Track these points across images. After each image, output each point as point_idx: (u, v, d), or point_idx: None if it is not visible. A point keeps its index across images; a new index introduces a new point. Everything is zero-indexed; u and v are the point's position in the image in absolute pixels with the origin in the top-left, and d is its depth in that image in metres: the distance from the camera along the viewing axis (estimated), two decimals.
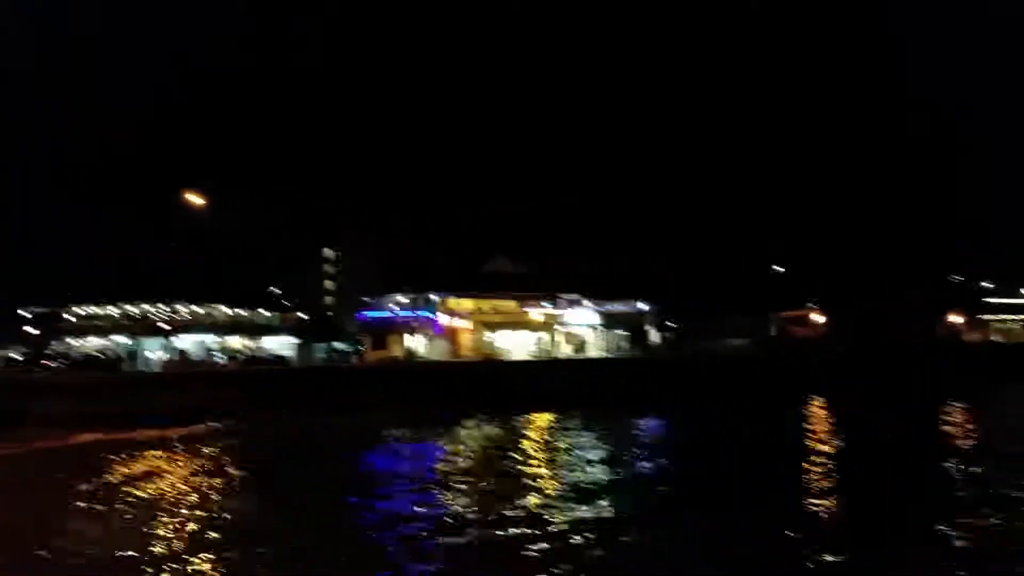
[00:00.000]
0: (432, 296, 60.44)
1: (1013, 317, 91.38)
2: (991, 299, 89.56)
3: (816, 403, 44.76)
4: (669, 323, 71.01)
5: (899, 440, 31.35)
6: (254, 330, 63.74)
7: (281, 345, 62.78)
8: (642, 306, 70.19)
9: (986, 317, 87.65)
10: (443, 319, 59.87)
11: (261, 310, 67.33)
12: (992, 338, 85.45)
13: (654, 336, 69.46)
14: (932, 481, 22.42)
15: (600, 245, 78.27)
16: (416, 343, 58.31)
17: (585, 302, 67.06)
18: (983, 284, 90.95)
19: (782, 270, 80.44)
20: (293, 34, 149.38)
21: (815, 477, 22.74)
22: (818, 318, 73.51)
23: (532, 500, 19.73)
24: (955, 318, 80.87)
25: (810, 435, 31.86)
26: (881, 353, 62.37)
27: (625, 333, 68.15)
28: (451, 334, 60.18)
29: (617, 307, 69.78)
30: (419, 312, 59.49)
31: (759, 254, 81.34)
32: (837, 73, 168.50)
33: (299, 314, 69.16)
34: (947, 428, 33.45)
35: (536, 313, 63.37)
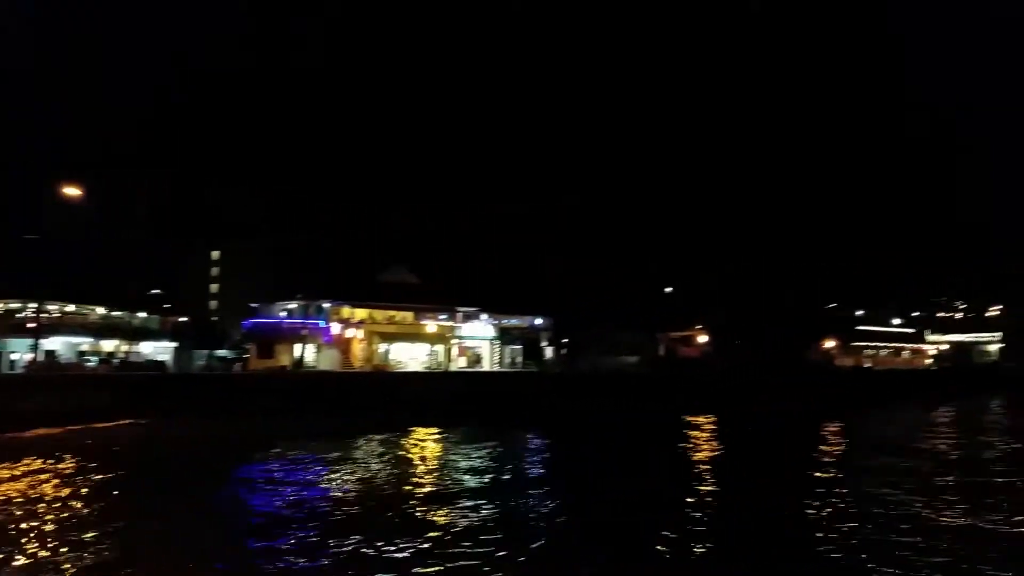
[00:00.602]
0: (324, 304, 58.82)
1: (883, 344, 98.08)
2: (863, 327, 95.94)
3: (700, 419, 46.06)
4: (563, 339, 71.93)
5: (772, 458, 32.65)
6: (131, 333, 60.15)
7: (159, 350, 59.55)
8: (538, 321, 70.95)
9: (859, 343, 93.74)
10: (335, 328, 58.32)
11: (140, 313, 63.69)
12: (864, 363, 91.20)
13: (549, 351, 70.31)
14: (801, 496, 23.21)
15: (500, 259, 78.50)
16: (305, 352, 56.49)
17: (483, 316, 67.13)
18: (857, 312, 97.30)
19: (671, 290, 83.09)
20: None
21: (693, 492, 23.28)
22: (703, 339, 76.17)
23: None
24: (829, 343, 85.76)
25: (689, 451, 32.79)
26: (760, 374, 65.29)
27: (520, 347, 68.75)
28: (343, 344, 58.68)
29: (514, 321, 70.33)
30: (310, 320, 57.72)
31: (651, 274, 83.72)
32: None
33: (180, 318, 65.81)
34: (819, 446, 35.32)
35: (432, 325, 62.75)
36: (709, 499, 22.87)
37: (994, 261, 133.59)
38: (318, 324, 57.83)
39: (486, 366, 65.21)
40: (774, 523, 19.94)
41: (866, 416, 53.44)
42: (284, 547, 16.07)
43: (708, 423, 44.99)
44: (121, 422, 38.11)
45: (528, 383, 57.23)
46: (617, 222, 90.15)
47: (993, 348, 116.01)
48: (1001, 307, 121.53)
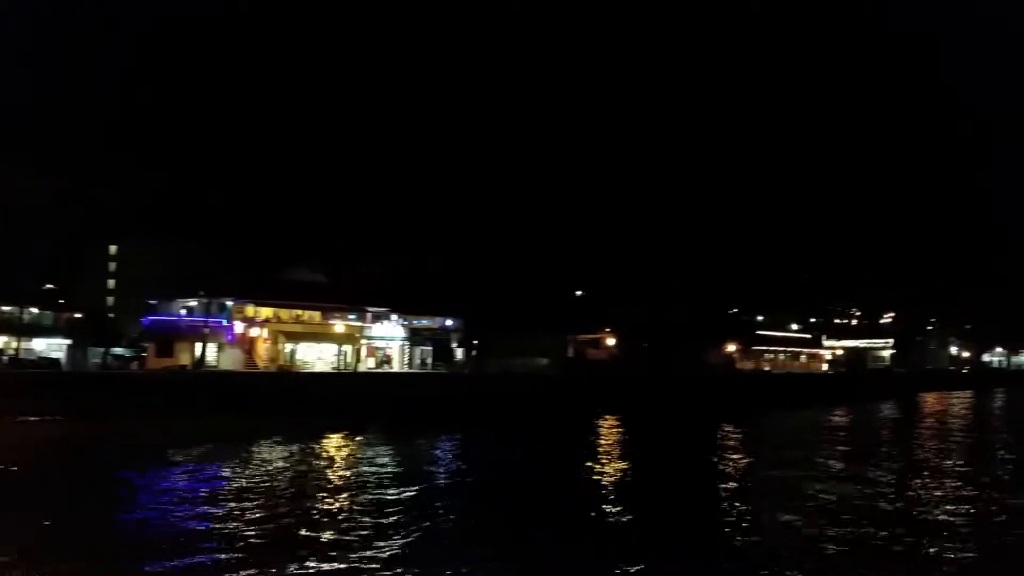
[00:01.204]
0: (228, 302, 57.78)
1: (782, 349, 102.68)
2: (764, 332, 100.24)
3: (607, 421, 47.45)
4: (474, 340, 72.62)
5: (676, 459, 33.88)
6: (22, 329, 57.72)
7: (53, 347, 57.41)
8: (449, 322, 71.42)
9: (760, 348, 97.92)
10: (238, 327, 57.35)
11: (32, 308, 61.10)
12: (763, 367, 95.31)
13: (459, 353, 70.88)
14: (702, 501, 24.25)
15: (412, 259, 78.50)
16: (207, 352, 55.37)
17: (393, 316, 67.10)
18: (758, 318, 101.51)
19: (581, 294, 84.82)
20: None
21: (594, 491, 24.35)
22: (611, 341, 78.15)
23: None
24: (731, 347, 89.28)
25: (595, 452, 33.88)
26: (666, 377, 67.64)
27: (431, 349, 69.01)
28: (247, 343, 57.73)
29: (424, 322, 70.57)
30: (212, 318, 56.59)
31: (563, 277, 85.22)
32: None
33: (76, 314, 63.45)
34: (721, 449, 37.03)
35: (340, 325, 62.42)
36: (611, 498, 24.02)
37: (888, 271, 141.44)
38: (221, 322, 56.76)
39: (396, 367, 65.26)
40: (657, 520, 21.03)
41: (764, 419, 56.16)
42: None
43: (614, 424, 46.49)
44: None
45: (437, 384, 57.74)
46: (528, 224, 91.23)
47: (885, 354, 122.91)
48: (893, 314, 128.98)
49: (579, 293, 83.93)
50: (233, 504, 21.53)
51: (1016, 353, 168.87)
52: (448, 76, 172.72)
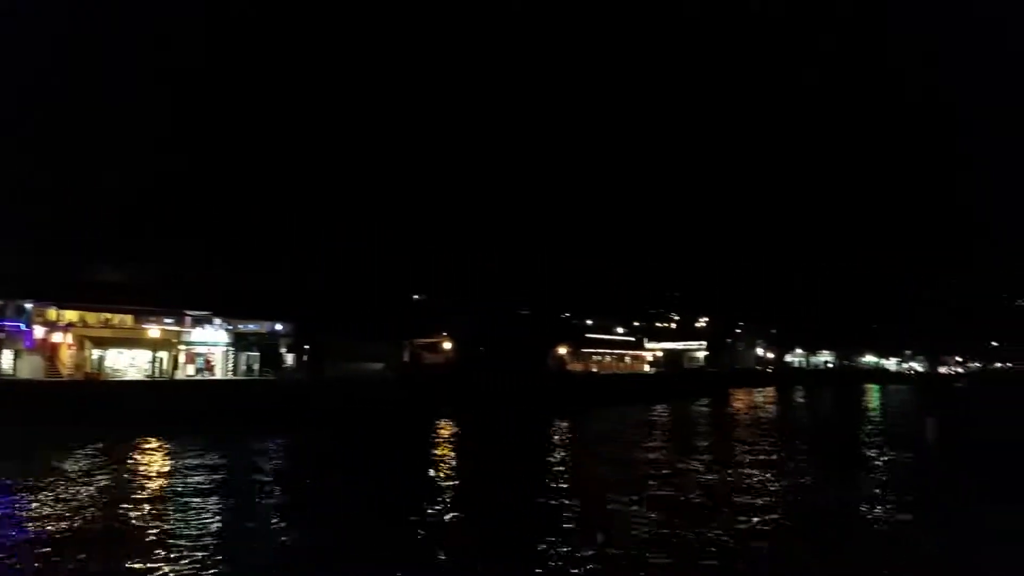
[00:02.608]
0: (26, 304, 52.76)
1: (608, 351, 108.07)
2: (592, 335, 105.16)
3: (444, 424, 47.75)
4: (305, 345, 70.63)
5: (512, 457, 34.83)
6: None
7: None
8: (278, 327, 69.10)
9: (588, 350, 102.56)
10: (39, 332, 52.55)
11: None
12: (591, 368, 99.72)
13: (289, 358, 68.72)
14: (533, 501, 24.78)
15: (237, 259, 74.89)
16: (2, 359, 50.34)
17: (216, 320, 64.02)
18: (587, 322, 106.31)
19: (418, 298, 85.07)
20: None
21: (428, 494, 24.58)
22: (448, 345, 78.84)
23: None
24: (562, 350, 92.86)
25: (429, 455, 34.07)
26: (502, 378, 69.19)
27: (258, 354, 66.50)
28: (49, 349, 53.00)
29: (251, 327, 67.87)
30: (8, 322, 51.49)
31: (400, 281, 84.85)
32: None
33: None
34: (553, 446, 38.49)
35: (156, 330, 58.72)
36: (445, 497, 24.36)
37: (704, 279, 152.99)
38: (18, 327, 51.77)
39: (219, 374, 62.27)
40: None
41: (594, 415, 58.93)
42: None
43: (451, 427, 46.90)
44: None
45: (261, 391, 55.81)
46: (361, 226, 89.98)
47: (700, 355, 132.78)
48: (707, 319, 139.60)
49: (416, 297, 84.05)
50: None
51: (814, 354, 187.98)
52: None
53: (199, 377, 59.56)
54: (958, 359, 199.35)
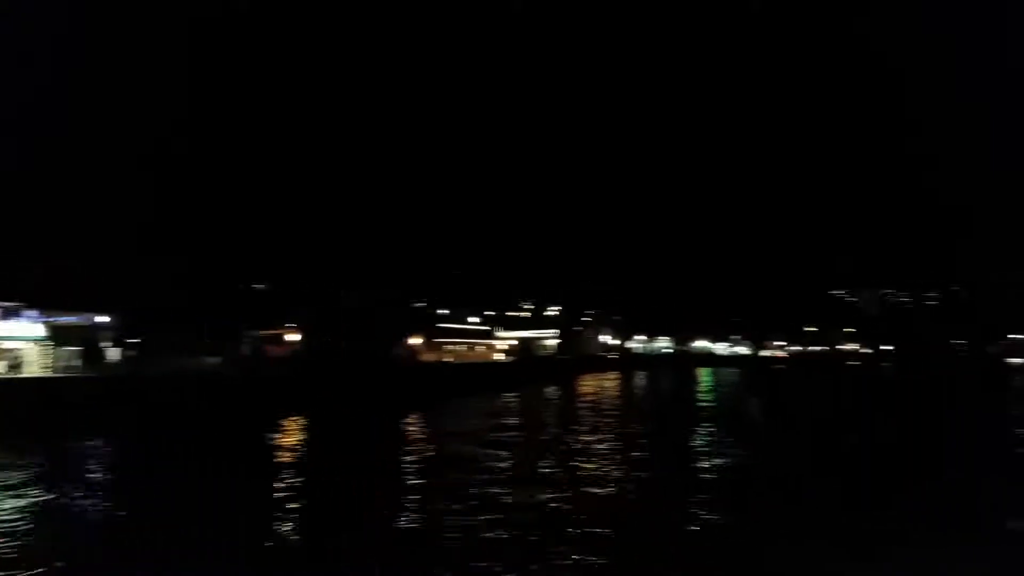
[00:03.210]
0: None
1: (462, 340, 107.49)
2: (445, 324, 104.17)
3: (287, 422, 44.71)
4: (132, 339, 64.68)
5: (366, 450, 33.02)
6: None
7: None
8: (100, 319, 62.76)
9: (441, 340, 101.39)
10: None
11: None
12: (444, 359, 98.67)
13: (113, 353, 62.56)
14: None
15: (56, 246, 67.55)
16: None
17: (28, 312, 57.02)
18: (440, 311, 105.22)
19: (263, 287, 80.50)
20: None
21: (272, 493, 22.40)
22: (293, 337, 75.05)
23: None
24: (415, 340, 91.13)
25: (253, 462, 31.35)
26: (351, 370, 66.44)
27: (79, 349, 60.04)
28: None
29: (70, 320, 61.21)
30: None
31: (240, 270, 79.96)
32: None
33: None
34: (406, 438, 36.99)
35: None
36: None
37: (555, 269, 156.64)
38: None
39: (35, 371, 55.56)
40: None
41: (445, 406, 57.91)
42: None
43: (295, 424, 44.04)
44: None
45: (78, 389, 50.06)
46: (200, 214, 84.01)
47: (551, 342, 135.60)
48: (559, 308, 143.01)
49: (259, 286, 79.37)
50: None
51: (654, 340, 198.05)
52: None
53: (9, 375, 52.78)
54: (779, 343, 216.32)
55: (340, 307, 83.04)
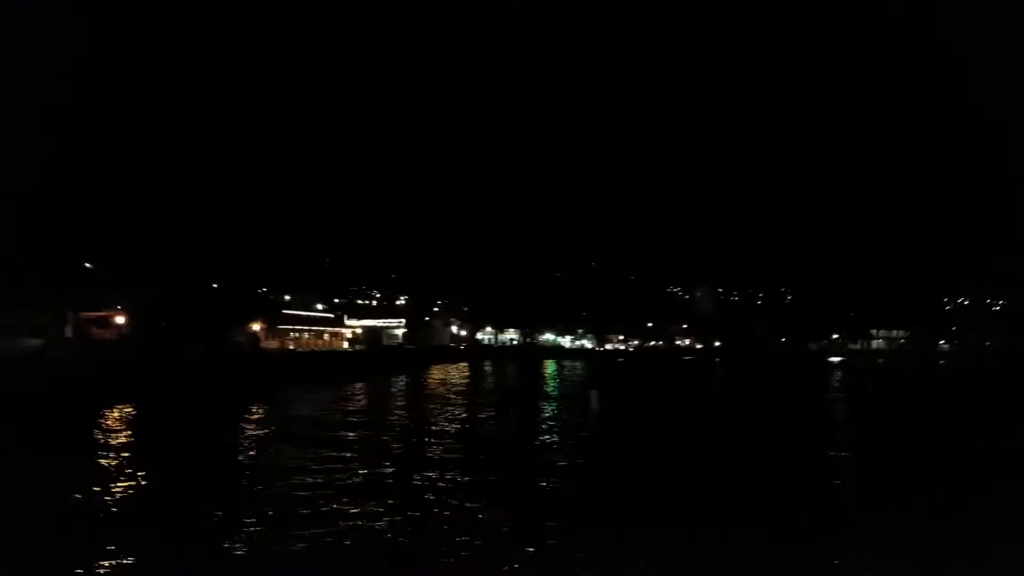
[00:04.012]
0: None
1: (307, 328, 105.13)
2: (290, 311, 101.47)
3: (112, 412, 42.05)
4: None
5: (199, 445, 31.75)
6: None
7: None
8: None
9: (285, 327, 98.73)
10: None
11: None
12: (288, 346, 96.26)
13: None
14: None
15: None
16: None
17: None
18: (284, 297, 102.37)
19: (91, 266, 74.97)
20: None
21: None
22: (122, 319, 70.63)
23: None
24: (256, 326, 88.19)
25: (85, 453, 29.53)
26: (187, 356, 63.30)
27: None
28: None
29: None
30: None
31: (65, 245, 74.09)
32: None
33: None
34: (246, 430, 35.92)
35: None
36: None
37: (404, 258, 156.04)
38: None
39: None
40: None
41: (288, 395, 56.55)
42: None
43: (117, 415, 41.49)
44: None
45: None
46: (20, 187, 77.12)
47: (399, 332, 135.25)
48: (407, 297, 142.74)
49: (88, 265, 73.82)
50: None
51: (502, 332, 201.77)
52: None
53: None
54: (621, 337, 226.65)
55: (174, 289, 78.88)
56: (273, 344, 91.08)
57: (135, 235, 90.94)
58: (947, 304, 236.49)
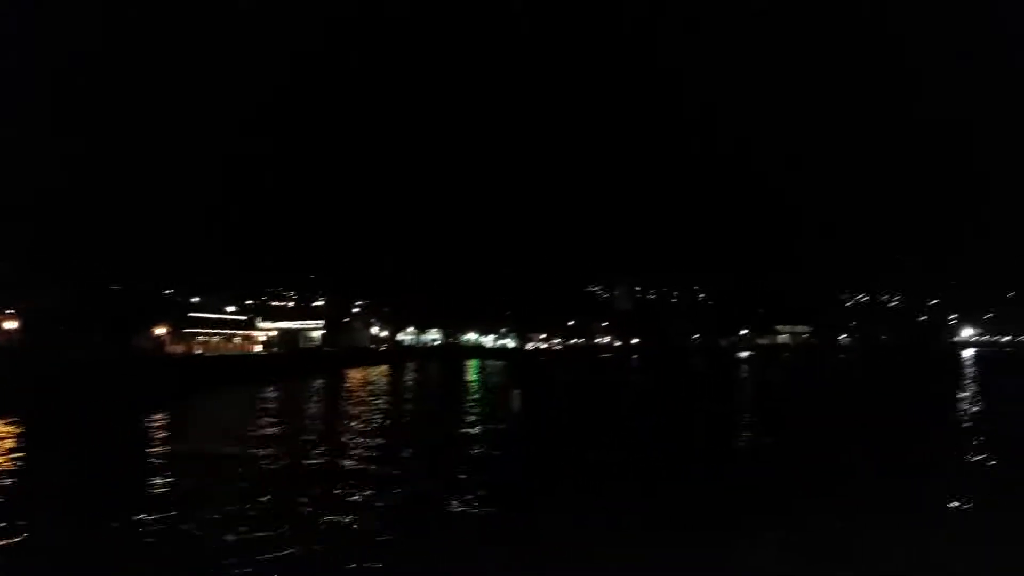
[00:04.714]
0: None
1: (216, 331, 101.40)
2: (198, 314, 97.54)
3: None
4: None
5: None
6: None
7: None
8: None
9: (192, 330, 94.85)
10: None
11: None
12: (196, 351, 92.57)
13: None
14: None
15: None
16: None
17: None
18: (192, 299, 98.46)
19: None
20: None
21: None
22: (11, 325, 66.48)
23: None
24: (161, 330, 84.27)
25: None
26: (87, 363, 59.77)
27: None
28: None
29: None
30: None
31: None
32: None
33: None
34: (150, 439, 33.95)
35: None
36: None
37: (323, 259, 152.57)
38: None
39: None
40: None
41: (194, 402, 54.13)
42: None
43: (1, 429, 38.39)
44: None
45: None
46: None
47: (316, 334, 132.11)
48: (326, 298, 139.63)
49: None
50: None
51: (424, 332, 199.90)
52: None
53: None
54: (543, 336, 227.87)
55: (75, 292, 74.92)
56: (180, 348, 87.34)
57: (34, 238, 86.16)
58: (847, 301, 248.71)
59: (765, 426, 40.03)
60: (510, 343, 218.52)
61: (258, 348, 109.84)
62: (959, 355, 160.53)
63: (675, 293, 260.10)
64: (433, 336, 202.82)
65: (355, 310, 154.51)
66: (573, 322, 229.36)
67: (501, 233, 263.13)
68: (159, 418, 42.79)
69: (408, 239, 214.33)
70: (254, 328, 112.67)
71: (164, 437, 35.69)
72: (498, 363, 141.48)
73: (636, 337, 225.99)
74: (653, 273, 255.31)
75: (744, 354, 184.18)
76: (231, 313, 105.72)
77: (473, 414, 45.85)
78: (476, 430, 36.65)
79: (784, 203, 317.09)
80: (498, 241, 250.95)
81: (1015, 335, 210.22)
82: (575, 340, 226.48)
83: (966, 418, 42.43)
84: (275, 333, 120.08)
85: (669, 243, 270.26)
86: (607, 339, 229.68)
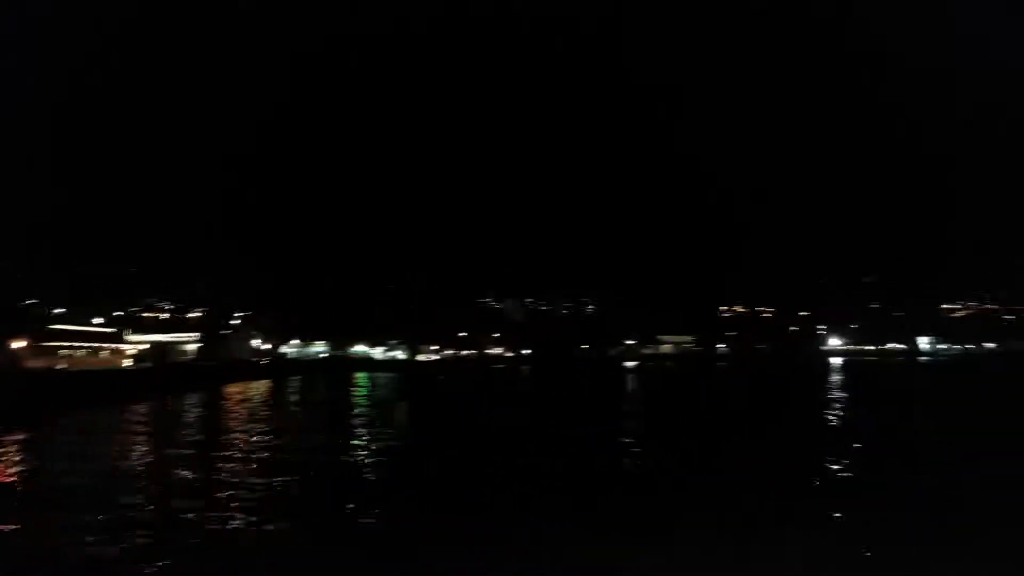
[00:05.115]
0: None
1: (81, 344, 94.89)
2: (61, 326, 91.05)
3: None
4: None
5: None
6: None
7: None
8: None
9: (54, 344, 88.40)
10: None
11: None
12: (58, 365, 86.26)
13: None
14: None
15: None
16: None
17: None
18: (55, 311, 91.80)
19: None
20: None
21: None
22: None
23: None
24: (19, 343, 78.24)
25: None
26: None
27: None
28: None
29: None
30: None
31: None
32: None
33: None
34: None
35: None
36: None
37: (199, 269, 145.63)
38: None
39: None
40: None
41: (56, 422, 50.44)
42: None
43: None
44: None
45: None
46: None
47: (192, 347, 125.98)
48: (204, 310, 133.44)
49: None
50: None
51: (310, 345, 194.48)
52: None
53: None
54: (434, 347, 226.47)
55: None
56: (39, 363, 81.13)
57: None
58: (724, 312, 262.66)
59: (641, 439, 40.98)
60: (400, 355, 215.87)
61: (127, 362, 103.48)
62: (827, 363, 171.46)
63: (565, 305, 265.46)
64: (319, 349, 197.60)
65: (235, 321, 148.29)
66: (465, 333, 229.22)
67: (390, 245, 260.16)
68: (12, 440, 39.62)
69: (291, 251, 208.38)
70: (122, 341, 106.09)
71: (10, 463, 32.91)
72: (388, 375, 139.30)
73: (527, 348, 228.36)
74: (543, 286, 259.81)
75: (630, 363, 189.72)
76: (98, 325, 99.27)
77: (357, 436, 44.47)
78: (361, 455, 35.24)
79: (670, 222, 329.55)
80: (387, 253, 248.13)
81: (878, 344, 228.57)
82: (467, 351, 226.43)
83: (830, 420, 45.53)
84: (146, 346, 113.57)
85: (560, 257, 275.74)
86: (499, 350, 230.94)
